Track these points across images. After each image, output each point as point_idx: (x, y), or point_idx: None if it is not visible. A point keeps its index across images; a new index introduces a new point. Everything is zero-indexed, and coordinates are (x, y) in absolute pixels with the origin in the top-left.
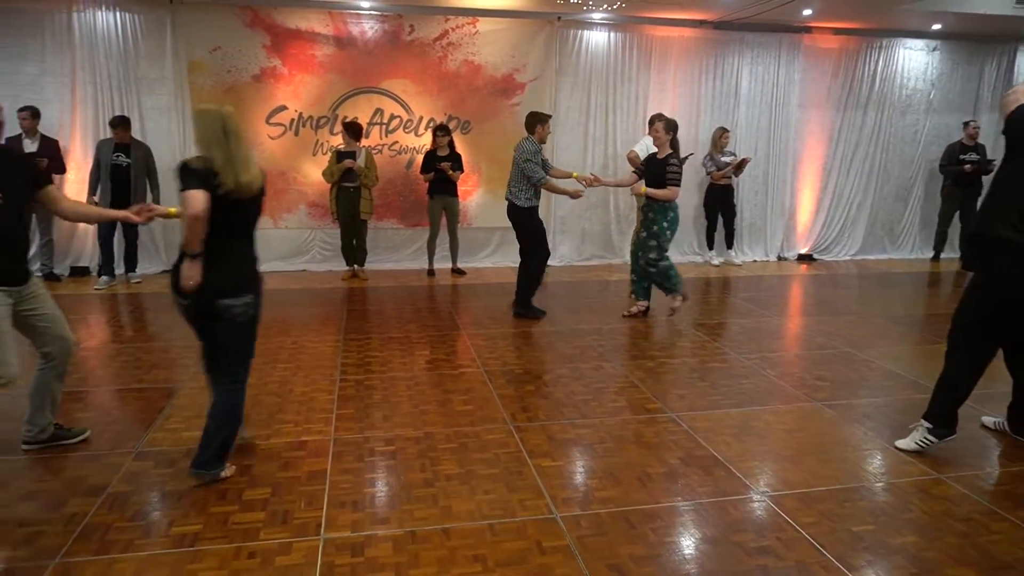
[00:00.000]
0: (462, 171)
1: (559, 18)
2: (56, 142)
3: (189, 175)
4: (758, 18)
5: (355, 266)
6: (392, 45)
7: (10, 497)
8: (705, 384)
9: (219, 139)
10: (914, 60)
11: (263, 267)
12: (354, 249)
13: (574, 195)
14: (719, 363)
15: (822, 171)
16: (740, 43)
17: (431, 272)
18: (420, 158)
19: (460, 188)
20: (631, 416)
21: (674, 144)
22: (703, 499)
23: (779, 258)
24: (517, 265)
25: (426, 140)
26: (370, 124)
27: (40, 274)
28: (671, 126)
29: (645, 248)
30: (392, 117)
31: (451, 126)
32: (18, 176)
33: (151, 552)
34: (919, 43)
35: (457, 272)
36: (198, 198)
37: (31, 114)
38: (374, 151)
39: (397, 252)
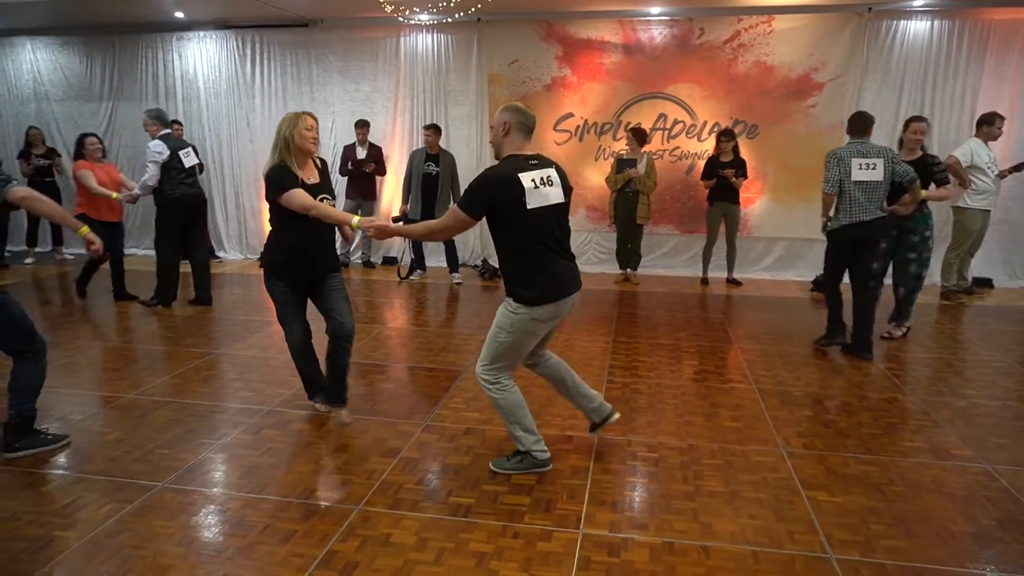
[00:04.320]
0: (745, 177)
1: (870, 9)
2: (380, 149)
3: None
4: None
5: (628, 270)
6: (680, 49)
7: (329, 447)
8: None
9: None
10: None
11: None
12: (628, 253)
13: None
14: None
15: None
16: None
17: (705, 280)
18: (701, 163)
19: (742, 195)
20: (931, 460)
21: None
22: None
23: None
24: (821, 282)
25: (709, 145)
26: (653, 129)
27: (360, 261)
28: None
29: (905, 265)
30: (675, 122)
31: (736, 131)
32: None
33: (432, 515)
34: None
35: (732, 282)
36: None
37: (366, 127)
38: (655, 157)
39: (671, 258)
